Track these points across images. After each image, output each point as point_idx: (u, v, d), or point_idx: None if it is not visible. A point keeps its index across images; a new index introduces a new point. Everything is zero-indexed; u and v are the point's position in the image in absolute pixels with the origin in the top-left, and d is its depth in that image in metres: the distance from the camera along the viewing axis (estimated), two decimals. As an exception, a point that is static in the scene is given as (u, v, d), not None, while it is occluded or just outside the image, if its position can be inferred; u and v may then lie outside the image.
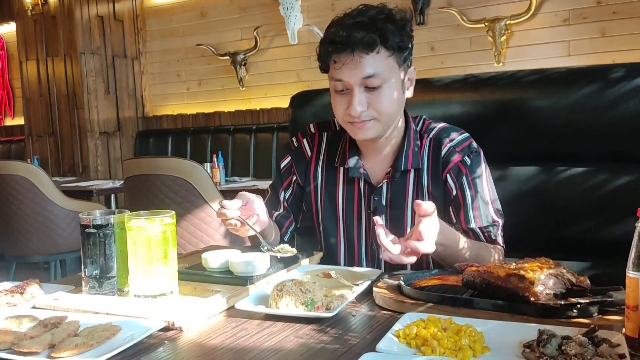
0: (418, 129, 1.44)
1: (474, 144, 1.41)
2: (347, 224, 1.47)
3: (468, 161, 1.38)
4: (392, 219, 1.42)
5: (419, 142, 1.42)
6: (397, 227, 1.40)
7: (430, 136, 1.42)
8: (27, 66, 5.47)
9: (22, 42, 5.47)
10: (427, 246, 1.09)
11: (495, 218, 1.39)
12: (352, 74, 1.29)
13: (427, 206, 1.08)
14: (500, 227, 1.40)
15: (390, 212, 1.42)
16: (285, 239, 1.54)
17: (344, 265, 1.48)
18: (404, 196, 1.41)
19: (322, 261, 1.45)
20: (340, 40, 1.28)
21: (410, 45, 1.35)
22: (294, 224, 1.57)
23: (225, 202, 1.25)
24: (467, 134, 1.42)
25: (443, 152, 1.39)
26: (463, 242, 1.27)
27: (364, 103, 1.31)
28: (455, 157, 1.38)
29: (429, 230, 1.09)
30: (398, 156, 1.41)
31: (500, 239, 1.39)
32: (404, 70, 1.35)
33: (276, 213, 1.54)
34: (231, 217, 1.25)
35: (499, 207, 1.41)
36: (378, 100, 1.31)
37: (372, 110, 1.31)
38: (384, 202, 1.42)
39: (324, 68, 1.36)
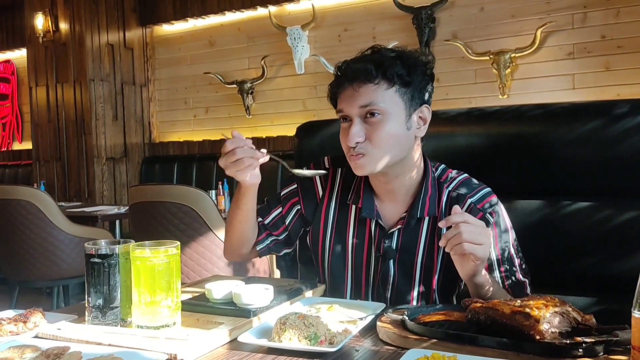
0: (437, 175, 1.40)
1: (495, 199, 1.36)
2: (356, 265, 1.42)
3: (490, 219, 1.33)
4: (400, 264, 1.38)
5: (437, 190, 1.38)
6: (405, 275, 1.38)
7: (450, 188, 1.38)
8: (36, 92, 5.53)
9: (32, 68, 5.54)
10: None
11: (522, 278, 1.34)
12: (350, 104, 1.30)
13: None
14: (527, 287, 1.34)
15: (400, 257, 1.38)
16: (259, 248, 1.47)
17: None
18: (415, 243, 1.37)
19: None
20: (341, 74, 1.33)
21: (420, 82, 1.31)
22: (283, 236, 1.49)
23: (235, 132, 1.24)
24: (488, 189, 1.38)
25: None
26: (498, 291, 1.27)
27: (361, 134, 1.28)
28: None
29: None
30: (414, 202, 1.36)
31: None
32: (413, 108, 1.31)
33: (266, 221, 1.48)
34: (243, 146, 1.21)
35: (525, 265, 1.36)
36: (374, 133, 1.28)
37: (367, 143, 1.29)
38: (394, 247, 1.38)
39: (334, 105, 1.37)
